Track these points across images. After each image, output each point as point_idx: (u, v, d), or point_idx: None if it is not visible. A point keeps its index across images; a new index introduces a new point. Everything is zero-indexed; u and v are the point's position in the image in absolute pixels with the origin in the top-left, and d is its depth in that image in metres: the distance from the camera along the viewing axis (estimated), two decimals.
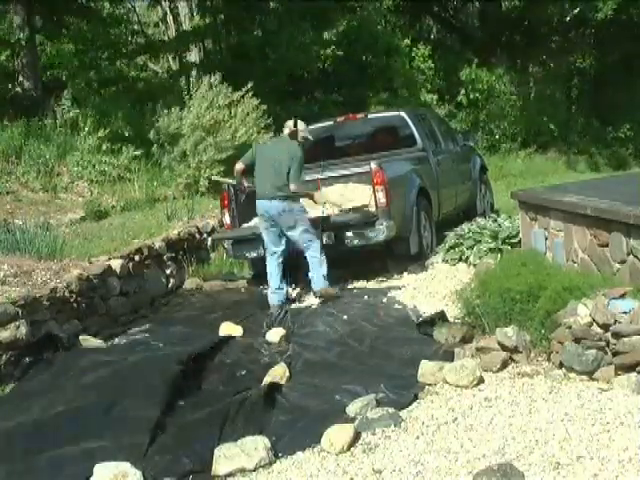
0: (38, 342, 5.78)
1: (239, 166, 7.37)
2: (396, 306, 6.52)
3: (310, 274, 7.06)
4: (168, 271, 8.21)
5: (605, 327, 4.22)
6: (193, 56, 17.37)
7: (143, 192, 11.09)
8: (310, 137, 7.35)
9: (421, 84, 19.59)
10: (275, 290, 7.00)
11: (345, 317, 6.30)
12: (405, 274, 7.61)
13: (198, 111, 11.61)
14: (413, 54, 19.99)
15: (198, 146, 11.39)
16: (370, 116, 9.59)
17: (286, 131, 7.18)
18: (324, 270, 7.00)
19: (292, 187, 6.82)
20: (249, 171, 7.28)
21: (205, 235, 9.07)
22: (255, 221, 7.96)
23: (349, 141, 9.81)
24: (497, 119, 20.23)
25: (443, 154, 9.64)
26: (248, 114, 11.87)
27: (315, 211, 7.45)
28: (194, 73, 15.40)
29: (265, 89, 13.58)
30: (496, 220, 7.98)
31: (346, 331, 5.96)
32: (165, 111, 11.97)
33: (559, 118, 22.03)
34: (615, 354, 4.18)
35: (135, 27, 19.33)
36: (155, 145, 11.93)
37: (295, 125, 7.12)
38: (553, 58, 24.16)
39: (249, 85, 11.95)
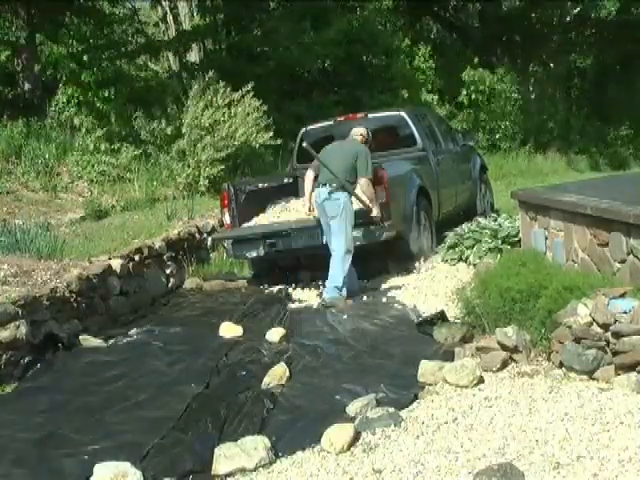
0: (39, 342, 5.78)
1: (310, 174, 7.37)
2: (396, 306, 6.52)
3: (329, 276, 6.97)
4: (168, 271, 8.21)
5: (605, 327, 4.22)
6: (193, 56, 17.36)
7: (143, 192, 11.10)
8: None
9: (421, 84, 19.59)
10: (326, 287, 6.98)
11: (345, 317, 6.30)
12: (405, 274, 7.61)
13: (196, 110, 11.61)
14: (413, 54, 20.00)
15: (197, 145, 11.38)
16: (370, 116, 9.58)
17: (358, 138, 7.35)
18: (339, 280, 6.85)
19: (362, 181, 6.96)
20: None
21: (205, 235, 9.07)
22: (255, 221, 8.00)
23: None
24: (497, 119, 20.25)
25: (443, 154, 9.65)
26: (248, 114, 11.86)
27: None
28: (195, 73, 15.39)
29: (265, 89, 13.57)
30: (496, 220, 7.98)
31: (346, 331, 5.96)
32: (162, 111, 11.97)
33: (559, 118, 22.05)
34: (615, 354, 4.18)
35: (136, 26, 19.33)
36: (151, 145, 11.93)
37: (367, 134, 7.41)
38: (553, 58, 24.19)
39: (249, 86, 11.95)
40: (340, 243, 6.91)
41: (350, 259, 6.94)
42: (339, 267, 6.88)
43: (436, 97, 19.68)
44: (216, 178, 11.24)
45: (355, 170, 6.97)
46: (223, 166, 11.42)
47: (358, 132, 7.45)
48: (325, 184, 6.97)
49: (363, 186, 6.99)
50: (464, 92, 20.30)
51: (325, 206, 6.97)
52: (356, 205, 7.61)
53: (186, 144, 11.50)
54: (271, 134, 11.93)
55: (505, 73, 20.88)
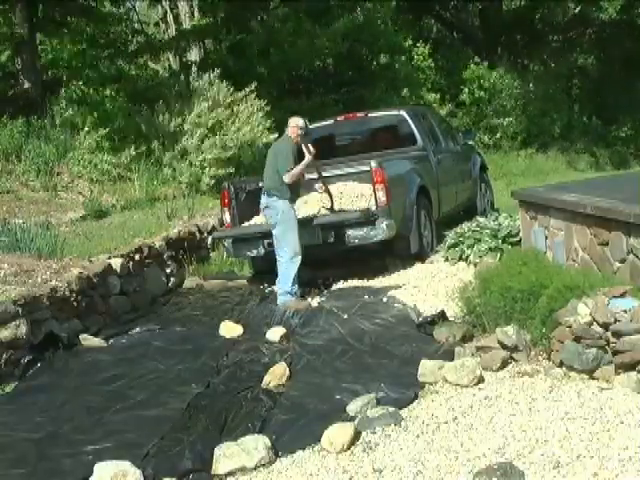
0: (39, 341, 5.78)
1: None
2: (396, 305, 6.51)
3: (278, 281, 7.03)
4: (168, 270, 8.21)
5: (605, 326, 4.22)
6: (193, 55, 17.35)
7: (143, 191, 11.09)
8: (301, 131, 7.18)
9: (422, 83, 19.57)
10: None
11: (345, 316, 6.30)
12: (405, 273, 7.61)
13: (200, 110, 11.61)
14: (414, 53, 19.97)
15: (202, 144, 11.38)
16: (370, 115, 9.59)
17: (289, 130, 7.24)
18: (287, 285, 6.87)
19: (285, 179, 6.89)
20: None
21: (205, 234, 9.07)
22: (255, 220, 7.99)
23: (349, 140, 9.81)
24: (498, 118, 20.22)
25: (443, 153, 9.64)
26: (252, 114, 11.86)
27: (312, 208, 7.47)
28: (195, 72, 15.39)
29: (266, 88, 13.56)
30: (496, 219, 7.98)
31: (346, 330, 5.96)
32: (165, 110, 11.98)
33: (560, 117, 22.02)
34: (615, 353, 4.18)
35: (135, 26, 19.32)
36: (155, 143, 11.93)
37: (299, 125, 7.18)
38: (554, 57, 24.16)
39: (252, 86, 11.95)
40: (284, 250, 6.93)
41: (298, 262, 6.89)
42: (287, 272, 6.90)
43: (437, 96, 19.64)
44: (219, 178, 11.24)
45: (275, 169, 6.96)
46: (227, 166, 11.42)
47: (292, 123, 7.20)
48: (263, 193, 7.09)
49: (288, 178, 6.85)
50: (466, 90, 20.27)
51: (266, 213, 7.13)
52: (354, 206, 7.61)
53: (189, 144, 11.49)
54: (276, 135, 11.92)
55: (505, 72, 20.86)
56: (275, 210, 6.94)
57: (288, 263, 6.90)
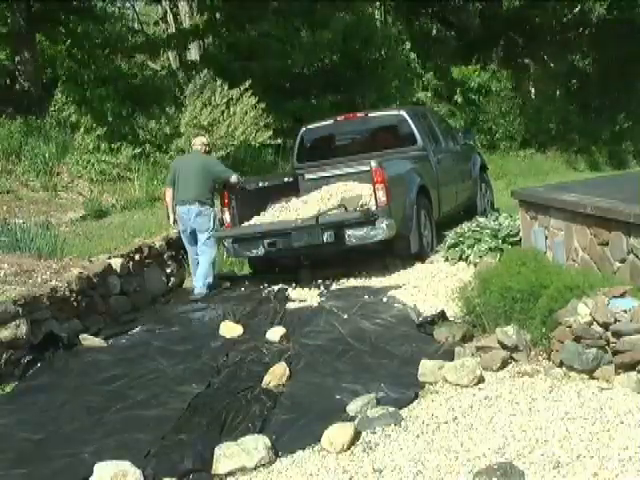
0: (39, 341, 5.78)
1: (169, 193, 7.92)
2: (396, 305, 6.51)
3: (196, 275, 7.72)
4: (168, 270, 8.21)
5: (605, 326, 4.22)
6: (193, 54, 17.35)
7: (143, 191, 11.10)
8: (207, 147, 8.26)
9: (418, 82, 19.57)
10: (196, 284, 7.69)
11: (345, 316, 6.30)
12: (405, 273, 7.61)
13: (194, 109, 11.60)
14: (411, 53, 19.96)
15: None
16: (370, 115, 9.59)
17: (198, 148, 8.06)
18: (209, 277, 7.65)
19: (232, 178, 7.83)
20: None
21: None
22: (255, 220, 7.98)
23: (349, 140, 9.81)
24: (495, 118, 20.24)
25: (443, 153, 9.64)
26: (247, 112, 11.85)
27: (311, 208, 7.48)
28: (193, 71, 15.39)
29: (263, 87, 13.55)
30: (496, 219, 7.98)
31: (346, 330, 5.95)
32: (160, 110, 11.99)
33: (559, 117, 22.04)
34: (615, 353, 4.18)
35: (135, 25, 19.34)
36: (148, 145, 11.93)
37: (207, 142, 8.28)
38: (553, 57, 24.18)
39: (247, 84, 11.93)
40: (209, 255, 7.67)
41: (215, 261, 7.83)
42: (210, 268, 7.66)
43: (431, 95, 19.65)
44: None
45: (210, 180, 7.73)
46: (223, 164, 11.41)
47: (199, 142, 8.14)
48: (192, 203, 7.63)
49: (235, 178, 7.86)
50: (458, 90, 20.29)
51: (195, 222, 7.66)
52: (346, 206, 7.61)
53: (185, 143, 11.49)
54: (270, 133, 11.91)
55: (504, 72, 20.88)
56: (207, 217, 7.65)
57: (209, 264, 7.63)
